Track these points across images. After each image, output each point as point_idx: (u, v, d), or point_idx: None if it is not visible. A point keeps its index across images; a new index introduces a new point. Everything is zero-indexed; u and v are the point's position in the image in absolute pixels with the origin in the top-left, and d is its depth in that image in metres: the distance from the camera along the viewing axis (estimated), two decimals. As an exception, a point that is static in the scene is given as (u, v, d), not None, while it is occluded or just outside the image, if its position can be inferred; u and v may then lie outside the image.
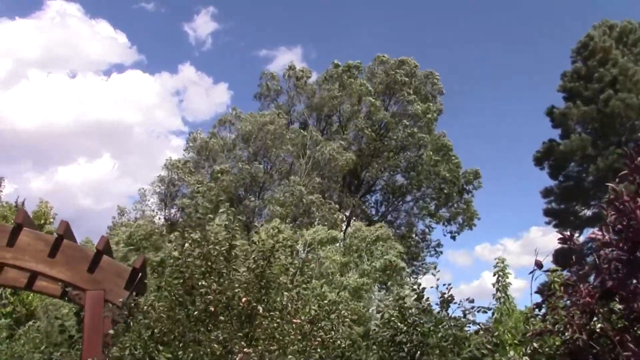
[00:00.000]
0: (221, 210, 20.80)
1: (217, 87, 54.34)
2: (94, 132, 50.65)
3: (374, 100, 33.12)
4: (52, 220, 20.58)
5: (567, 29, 52.99)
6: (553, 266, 6.43)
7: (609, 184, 4.25)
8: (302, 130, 31.98)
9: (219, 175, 28.91)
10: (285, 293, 6.19)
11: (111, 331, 6.24)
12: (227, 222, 6.43)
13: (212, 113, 62.55)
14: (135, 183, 53.64)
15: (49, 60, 53.61)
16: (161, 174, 30.97)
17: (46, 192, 51.70)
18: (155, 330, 5.73)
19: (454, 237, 35.79)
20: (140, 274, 6.86)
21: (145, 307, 5.80)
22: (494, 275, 7.84)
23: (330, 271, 16.89)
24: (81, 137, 51.14)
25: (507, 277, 7.82)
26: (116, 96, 51.00)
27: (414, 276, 30.00)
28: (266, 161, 30.91)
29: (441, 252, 36.25)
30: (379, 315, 7.88)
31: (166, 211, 30.44)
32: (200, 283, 5.87)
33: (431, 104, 33.87)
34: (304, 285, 6.88)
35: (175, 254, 6.28)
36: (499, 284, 7.78)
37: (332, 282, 16.26)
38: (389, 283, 18.37)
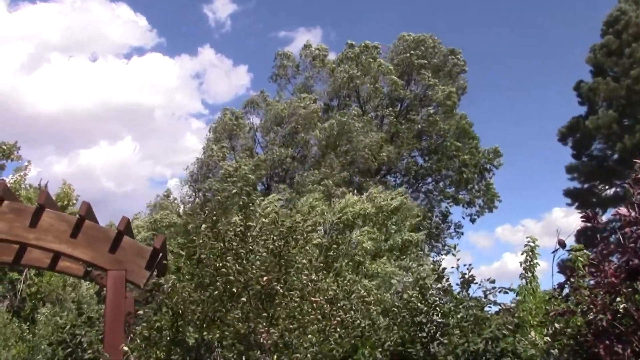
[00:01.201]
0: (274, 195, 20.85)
1: (237, 69, 54.23)
2: (115, 115, 51.09)
3: (395, 78, 32.70)
4: (74, 202, 20.76)
5: (586, 5, 51.89)
6: (579, 247, 6.34)
7: (637, 160, 4.15)
8: (335, 116, 31.56)
9: (259, 162, 29.03)
10: (305, 272, 6.18)
11: (141, 312, 6.31)
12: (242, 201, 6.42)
13: (232, 95, 62.46)
14: (156, 165, 54.03)
15: (70, 43, 53.98)
16: (198, 157, 31.32)
17: (69, 175, 52.22)
18: (179, 311, 5.78)
19: (473, 220, 35.54)
20: (160, 254, 6.91)
21: (168, 288, 5.84)
22: (523, 252, 7.79)
23: (360, 259, 16.42)
24: (103, 121, 51.59)
25: (536, 257, 7.77)
26: (137, 79, 51.33)
27: (434, 255, 29.94)
28: (295, 146, 30.81)
29: (462, 233, 36.04)
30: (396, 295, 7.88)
31: (198, 195, 30.74)
32: (217, 264, 5.90)
33: (453, 89, 33.25)
34: (321, 264, 6.87)
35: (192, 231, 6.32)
36: (527, 263, 7.74)
37: (361, 271, 15.92)
38: (410, 262, 17.86)
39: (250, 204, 6.47)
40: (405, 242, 18.10)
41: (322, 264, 6.98)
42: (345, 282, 7.00)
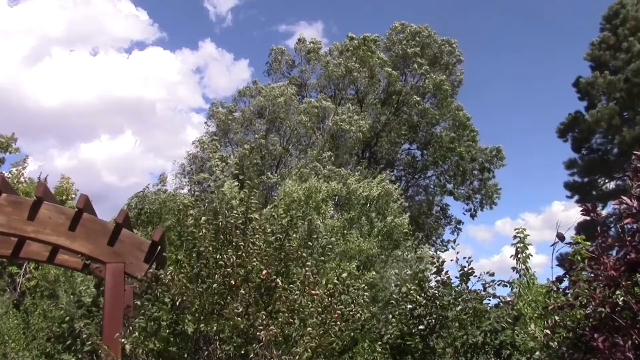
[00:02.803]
0: (232, 182, 20.27)
1: (237, 63, 54.21)
2: (116, 109, 51.02)
3: (391, 70, 32.50)
4: (73, 195, 20.71)
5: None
6: (579, 239, 6.30)
7: (635, 152, 4.14)
8: (312, 100, 31.37)
9: (241, 149, 28.97)
10: (307, 264, 6.17)
11: (138, 302, 6.30)
12: (243, 193, 6.38)
13: (233, 89, 62.48)
14: (157, 159, 54.01)
15: (71, 38, 53.88)
16: (190, 150, 31.20)
17: (70, 169, 52.38)
18: (177, 303, 5.76)
19: (472, 216, 35.47)
20: (159, 246, 6.90)
21: (166, 280, 5.82)
22: (513, 245, 7.60)
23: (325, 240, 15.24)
24: (104, 114, 51.53)
25: (527, 248, 7.59)
26: (138, 73, 51.25)
27: (433, 250, 29.80)
28: (281, 135, 30.64)
29: (460, 230, 35.97)
30: (394, 286, 7.83)
31: (191, 187, 30.56)
32: (216, 256, 5.88)
33: (445, 77, 33.04)
34: (322, 258, 6.86)
35: (191, 224, 6.28)
36: (519, 255, 7.59)
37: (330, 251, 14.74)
38: (404, 253, 17.06)
39: (252, 196, 6.43)
40: (391, 228, 17.22)
41: (322, 258, 6.97)
42: (345, 275, 6.97)
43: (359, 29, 49.57)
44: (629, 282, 4.20)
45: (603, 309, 4.21)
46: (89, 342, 6.31)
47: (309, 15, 63.22)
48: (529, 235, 7.58)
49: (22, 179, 20.38)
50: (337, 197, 18.44)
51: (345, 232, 15.95)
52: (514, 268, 7.53)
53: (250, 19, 53.45)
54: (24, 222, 6.59)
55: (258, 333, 5.41)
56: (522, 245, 7.49)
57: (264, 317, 5.53)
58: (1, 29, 51.01)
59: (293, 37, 58.29)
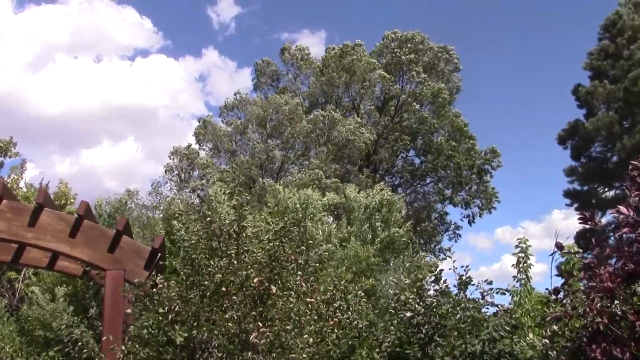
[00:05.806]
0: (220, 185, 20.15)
1: (241, 71, 54.27)
2: (119, 116, 51.07)
3: (383, 73, 32.36)
4: (72, 200, 20.63)
5: (590, 5, 51.90)
6: (574, 249, 6.30)
7: (632, 162, 4.16)
8: (320, 111, 31.28)
9: (232, 157, 29.00)
10: (299, 273, 6.17)
11: (128, 310, 6.30)
12: (235, 201, 6.38)
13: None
14: (159, 166, 54.01)
15: (75, 44, 53.98)
16: (169, 162, 31.18)
17: (72, 175, 52.24)
18: (169, 310, 5.75)
19: (470, 222, 35.45)
20: (159, 254, 6.91)
21: (159, 287, 5.81)
22: (515, 255, 7.60)
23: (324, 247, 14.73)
24: (106, 121, 51.56)
25: (529, 258, 7.60)
26: (141, 80, 51.37)
27: (431, 257, 29.73)
28: (283, 142, 30.58)
29: (460, 235, 35.93)
30: (391, 292, 7.82)
31: (183, 196, 30.46)
32: (207, 263, 5.89)
33: (443, 85, 32.99)
34: (317, 264, 6.86)
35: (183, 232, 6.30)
36: (520, 265, 7.59)
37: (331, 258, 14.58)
38: (402, 261, 16.83)
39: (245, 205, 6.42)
40: (393, 238, 17.05)
41: (318, 264, 6.98)
42: (342, 282, 6.97)
43: (361, 38, 49.68)
44: (627, 292, 4.22)
45: (600, 320, 4.22)
46: (85, 351, 6.29)
47: (312, 24, 63.10)
48: (531, 245, 7.60)
49: (21, 184, 20.31)
50: (335, 207, 18.31)
51: (342, 237, 15.82)
52: (515, 277, 7.55)
53: (253, 27, 53.61)
54: (25, 229, 6.61)
55: (251, 339, 5.40)
56: (524, 254, 7.50)
57: (256, 321, 5.53)
58: (5, 35, 51.14)
59: (295, 45, 58.30)
